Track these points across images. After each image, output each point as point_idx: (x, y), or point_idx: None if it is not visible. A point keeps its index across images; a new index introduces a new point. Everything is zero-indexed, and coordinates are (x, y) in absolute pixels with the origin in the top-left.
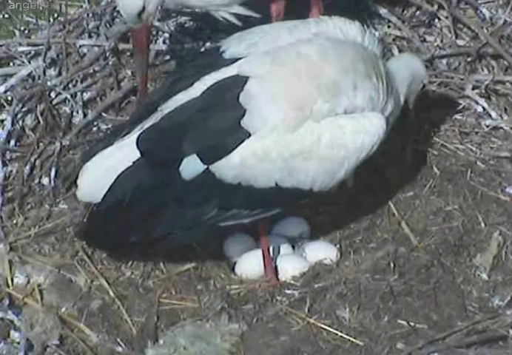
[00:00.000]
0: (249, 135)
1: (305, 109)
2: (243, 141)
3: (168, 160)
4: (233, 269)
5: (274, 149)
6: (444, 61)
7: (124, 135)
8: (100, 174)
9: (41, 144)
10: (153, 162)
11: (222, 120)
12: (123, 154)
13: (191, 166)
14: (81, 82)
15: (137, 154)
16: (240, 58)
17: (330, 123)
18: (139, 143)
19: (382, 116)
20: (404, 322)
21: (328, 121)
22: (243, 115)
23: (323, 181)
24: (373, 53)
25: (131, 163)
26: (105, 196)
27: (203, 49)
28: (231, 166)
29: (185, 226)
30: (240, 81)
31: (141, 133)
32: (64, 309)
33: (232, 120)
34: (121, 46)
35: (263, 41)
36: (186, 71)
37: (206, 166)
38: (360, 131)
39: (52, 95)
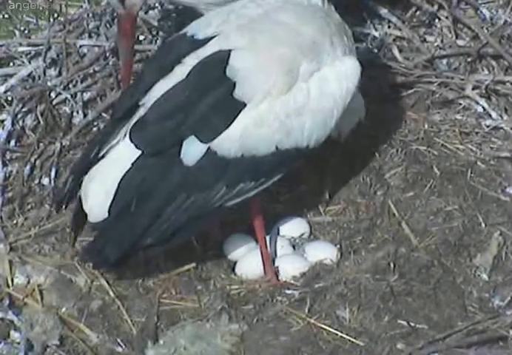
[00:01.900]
0: (244, 105)
1: (293, 72)
2: (239, 112)
3: (167, 148)
4: (233, 269)
5: (270, 112)
6: (444, 61)
7: (110, 139)
8: (106, 190)
9: (41, 144)
10: (152, 153)
11: (213, 97)
12: (120, 161)
13: (191, 150)
14: (81, 82)
15: (134, 156)
16: (215, 36)
17: (315, 78)
18: (133, 137)
19: (355, 58)
20: (404, 322)
21: (315, 76)
22: (234, 87)
23: (318, 134)
24: (333, 11)
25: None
26: (111, 204)
27: (168, 39)
28: (232, 139)
29: (197, 214)
30: (223, 56)
31: (133, 127)
32: (64, 309)
33: (224, 94)
34: None
35: (234, 16)
36: (162, 59)
37: (207, 147)
38: (342, 77)
39: (52, 95)
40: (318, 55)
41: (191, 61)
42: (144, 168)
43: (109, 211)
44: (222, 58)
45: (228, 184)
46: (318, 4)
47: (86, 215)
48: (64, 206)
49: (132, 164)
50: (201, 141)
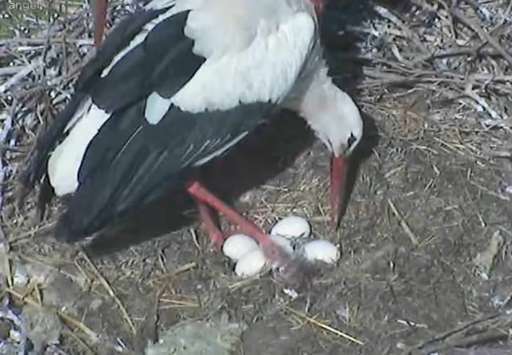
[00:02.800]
0: (204, 60)
1: (250, 29)
2: (199, 66)
3: (129, 105)
4: (233, 269)
5: (231, 65)
6: (444, 60)
7: (74, 113)
8: (72, 162)
9: None
10: (115, 111)
11: (173, 54)
12: (85, 133)
13: (155, 108)
14: None
15: (99, 126)
16: (173, 6)
17: (273, 33)
18: (95, 97)
19: (308, 14)
20: (404, 322)
21: (272, 32)
22: (193, 44)
23: (279, 87)
24: None
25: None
26: (79, 171)
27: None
28: (194, 94)
29: (167, 174)
30: (181, 17)
31: (95, 88)
32: (63, 309)
33: (183, 50)
34: None
35: None
36: (122, 31)
37: (170, 103)
38: (296, 30)
39: (52, 94)
40: (275, 14)
41: (150, 27)
42: (110, 132)
43: (78, 179)
44: (179, 19)
45: (194, 141)
46: None
47: (52, 190)
48: (31, 184)
49: (98, 131)
50: (163, 97)
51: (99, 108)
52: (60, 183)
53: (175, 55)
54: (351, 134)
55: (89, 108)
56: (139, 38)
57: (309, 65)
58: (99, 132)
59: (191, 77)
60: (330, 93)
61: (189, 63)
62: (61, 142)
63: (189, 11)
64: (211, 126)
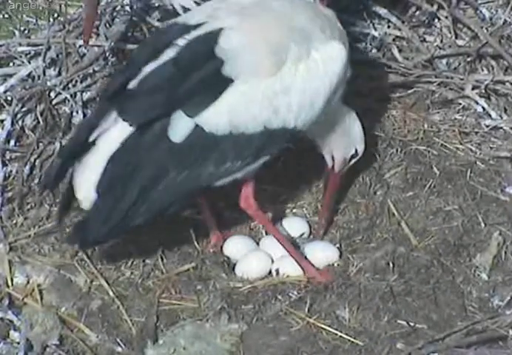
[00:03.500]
0: (232, 82)
1: (281, 54)
2: (227, 88)
3: (154, 120)
4: (233, 269)
5: (258, 89)
6: (444, 61)
7: (100, 123)
8: (99, 173)
9: (40, 144)
10: (139, 125)
11: (201, 73)
12: (110, 147)
13: (179, 127)
14: (81, 82)
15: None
16: (207, 22)
17: (303, 59)
18: (120, 109)
19: (340, 42)
20: (404, 322)
21: (303, 59)
22: (222, 64)
23: (305, 115)
24: (321, 7)
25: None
26: (98, 182)
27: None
28: (220, 115)
29: (185, 193)
30: (213, 36)
31: (121, 100)
32: (63, 309)
33: (212, 70)
34: (121, 46)
35: (225, 5)
36: (153, 43)
37: (194, 123)
38: (327, 59)
39: (52, 95)
40: (307, 41)
41: (182, 42)
42: (132, 147)
43: (96, 190)
44: (211, 37)
45: (215, 162)
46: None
47: (71, 201)
48: (50, 189)
49: (121, 144)
50: (188, 116)
51: (124, 120)
52: (86, 196)
53: (204, 75)
54: (355, 151)
55: (116, 120)
56: (169, 53)
57: (338, 92)
58: (121, 145)
59: (217, 98)
60: (339, 111)
61: (216, 83)
62: (84, 153)
63: (221, 29)
64: (234, 149)
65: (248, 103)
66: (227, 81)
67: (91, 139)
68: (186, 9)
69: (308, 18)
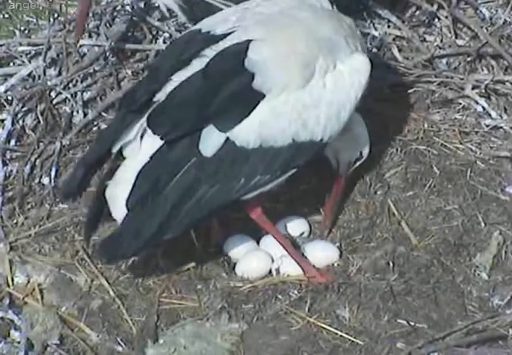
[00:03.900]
0: (263, 96)
1: (310, 67)
2: (258, 102)
3: (185, 134)
4: (233, 269)
5: (288, 103)
6: (444, 60)
7: (124, 134)
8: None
9: (41, 144)
10: (170, 139)
11: (232, 87)
12: (142, 158)
13: (210, 141)
14: (81, 82)
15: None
16: (233, 31)
17: (331, 72)
18: (151, 123)
19: (365, 54)
20: (404, 322)
21: (330, 71)
22: (253, 78)
23: (332, 127)
24: (341, 14)
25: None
26: (129, 197)
27: (180, 36)
28: (250, 130)
29: (216, 207)
30: (242, 48)
31: (151, 113)
32: (64, 308)
33: (243, 84)
34: (121, 46)
35: (250, 13)
36: (178, 53)
37: (225, 137)
38: (354, 72)
39: (52, 94)
40: (333, 52)
41: (209, 53)
42: (162, 161)
43: (126, 204)
44: (241, 49)
45: (245, 176)
46: (329, 8)
47: (101, 213)
48: (72, 199)
49: (151, 157)
50: (220, 130)
51: (154, 134)
52: (120, 211)
53: (235, 88)
54: (360, 153)
55: (143, 132)
56: (197, 64)
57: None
58: (151, 159)
59: (249, 113)
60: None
61: (248, 98)
62: (107, 163)
63: (250, 41)
64: (263, 162)
65: (278, 117)
66: (258, 95)
67: (114, 149)
68: (169, 10)
69: (332, 29)
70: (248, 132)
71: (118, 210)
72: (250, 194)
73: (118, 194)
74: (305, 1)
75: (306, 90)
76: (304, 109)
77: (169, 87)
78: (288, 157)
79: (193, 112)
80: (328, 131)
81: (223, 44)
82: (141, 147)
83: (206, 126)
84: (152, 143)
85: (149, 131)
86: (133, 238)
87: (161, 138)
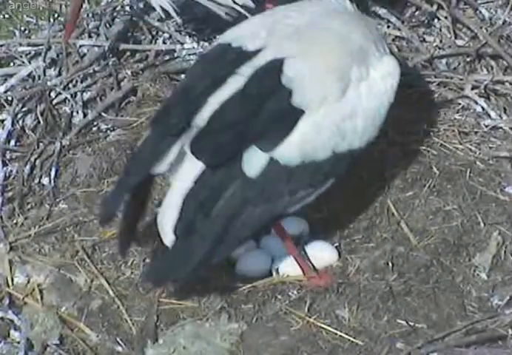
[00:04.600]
0: (303, 113)
1: (345, 78)
2: (298, 119)
3: (229, 158)
4: (233, 269)
5: (328, 117)
6: (443, 61)
7: (163, 156)
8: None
9: (41, 144)
10: (213, 164)
11: (272, 106)
12: (186, 183)
13: (253, 161)
14: (81, 82)
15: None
16: (265, 47)
17: (364, 80)
18: (194, 149)
19: (392, 56)
20: (403, 322)
21: (363, 79)
22: (291, 95)
23: (369, 134)
24: (364, 15)
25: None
26: (177, 223)
27: (205, 51)
28: (293, 147)
29: (264, 224)
30: (277, 65)
31: (193, 139)
32: (63, 309)
33: (282, 102)
34: (121, 46)
35: (280, 26)
36: (211, 70)
37: (269, 157)
38: (386, 76)
39: (52, 95)
40: (365, 59)
41: (245, 71)
42: (206, 184)
43: (174, 230)
44: (276, 67)
45: (290, 192)
46: (352, 10)
47: (132, 233)
48: (109, 221)
49: (195, 182)
50: (263, 151)
51: (198, 159)
52: (171, 238)
53: (274, 108)
54: None
55: (183, 155)
56: (233, 83)
57: None
58: (195, 183)
59: (291, 131)
60: None
61: (288, 116)
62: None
63: (284, 58)
64: (306, 177)
65: (319, 132)
66: (298, 112)
67: (155, 172)
68: (164, 10)
69: (362, 35)
70: (290, 149)
71: (167, 235)
72: (294, 207)
73: (166, 219)
74: (329, 5)
75: (343, 102)
76: (342, 122)
77: (206, 109)
78: (329, 168)
79: (235, 136)
80: (365, 138)
81: (257, 61)
82: (184, 170)
83: (249, 147)
84: (195, 165)
85: (189, 154)
86: (183, 263)
87: (206, 165)
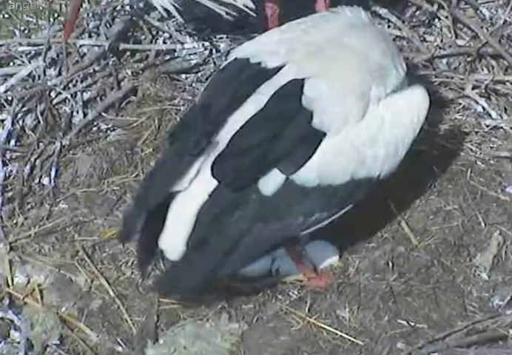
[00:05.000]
0: (324, 135)
1: (365, 97)
2: (320, 141)
3: (250, 181)
4: None
5: (348, 140)
6: (444, 60)
7: (183, 175)
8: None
9: (41, 144)
10: (235, 188)
11: (293, 128)
12: (196, 198)
13: (269, 180)
14: (81, 82)
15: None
16: (285, 65)
17: (388, 105)
18: (215, 173)
19: (424, 88)
20: (404, 322)
21: (386, 103)
22: (311, 117)
23: (390, 164)
24: (377, 26)
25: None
26: (190, 236)
27: (225, 67)
28: (311, 169)
29: (276, 243)
30: (297, 86)
31: (214, 162)
32: (64, 309)
33: (303, 124)
34: (121, 46)
35: (299, 44)
36: (230, 88)
37: (285, 176)
38: (413, 107)
39: (52, 94)
40: (385, 78)
41: (265, 90)
42: (221, 199)
43: (186, 244)
44: (296, 88)
45: (304, 214)
46: (367, 21)
47: (152, 253)
48: (129, 239)
49: (209, 196)
50: (283, 173)
51: (219, 181)
52: (180, 250)
53: (295, 130)
54: None
55: (198, 172)
56: (253, 103)
57: None
58: (210, 197)
59: (312, 154)
60: None
61: (309, 138)
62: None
63: (305, 78)
64: (321, 200)
65: (338, 155)
66: (319, 134)
67: (174, 190)
68: (166, 10)
69: (381, 52)
70: (308, 170)
71: (177, 248)
72: (307, 230)
73: (176, 232)
74: (346, 19)
75: (363, 126)
76: (362, 146)
77: (227, 130)
78: (346, 194)
79: (257, 160)
80: (385, 168)
81: (277, 80)
82: (195, 185)
83: (271, 170)
84: (208, 181)
85: (202, 170)
86: (192, 274)
87: (228, 188)
